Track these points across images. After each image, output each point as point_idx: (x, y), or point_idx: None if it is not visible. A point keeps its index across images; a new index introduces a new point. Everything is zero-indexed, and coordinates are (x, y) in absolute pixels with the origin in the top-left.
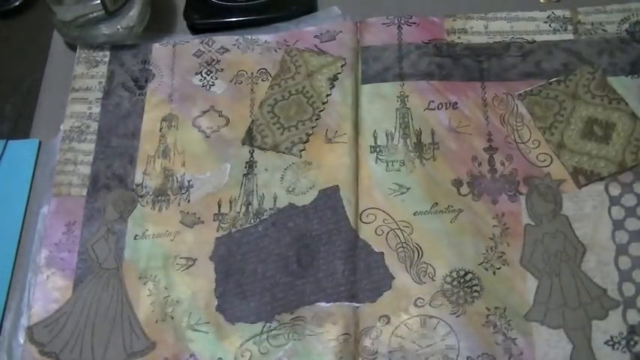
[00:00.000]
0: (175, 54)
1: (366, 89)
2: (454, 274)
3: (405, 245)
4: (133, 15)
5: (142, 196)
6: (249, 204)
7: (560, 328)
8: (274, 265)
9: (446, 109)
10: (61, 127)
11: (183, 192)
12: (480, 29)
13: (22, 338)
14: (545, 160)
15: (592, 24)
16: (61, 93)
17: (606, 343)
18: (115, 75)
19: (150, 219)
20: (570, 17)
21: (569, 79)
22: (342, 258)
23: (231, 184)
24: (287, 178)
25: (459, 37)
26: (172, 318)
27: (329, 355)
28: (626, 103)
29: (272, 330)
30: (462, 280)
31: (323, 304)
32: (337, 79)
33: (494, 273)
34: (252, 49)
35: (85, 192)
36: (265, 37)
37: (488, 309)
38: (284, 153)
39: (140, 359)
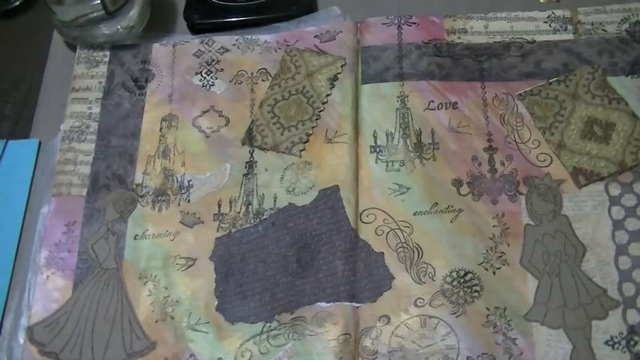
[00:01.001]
0: (175, 54)
1: (366, 89)
2: (454, 274)
3: (405, 245)
4: (133, 15)
5: (142, 196)
6: (249, 204)
7: (560, 328)
8: (274, 265)
9: (446, 109)
10: (61, 127)
11: (183, 192)
12: (480, 29)
13: (22, 338)
14: (545, 160)
15: (592, 24)
16: (61, 93)
17: (606, 343)
18: (115, 75)
19: (150, 219)
20: (570, 17)
21: (569, 79)
22: (342, 258)
23: (231, 184)
24: (287, 178)
25: (459, 37)
26: (172, 318)
27: (329, 355)
28: (626, 103)
29: (272, 330)
30: (462, 280)
31: (323, 304)
32: (337, 79)
33: (494, 273)
34: (252, 49)
35: (85, 192)
36: (265, 37)
37: (488, 309)
38: (284, 153)
39: (140, 359)
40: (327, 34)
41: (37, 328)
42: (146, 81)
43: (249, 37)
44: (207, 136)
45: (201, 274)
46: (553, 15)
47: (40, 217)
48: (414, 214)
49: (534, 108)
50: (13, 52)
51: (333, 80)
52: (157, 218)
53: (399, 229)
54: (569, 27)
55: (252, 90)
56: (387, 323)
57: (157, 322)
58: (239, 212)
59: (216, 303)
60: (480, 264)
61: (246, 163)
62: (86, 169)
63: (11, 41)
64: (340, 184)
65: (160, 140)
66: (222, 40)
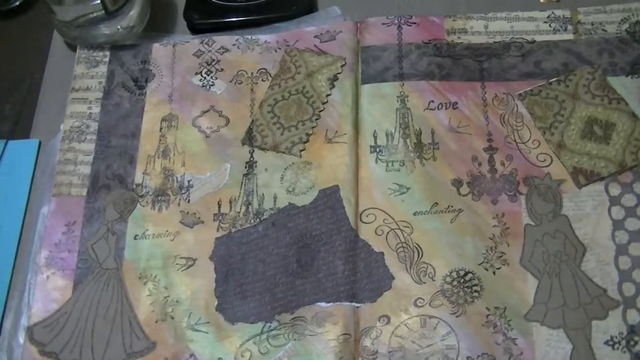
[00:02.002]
0: (175, 54)
1: (366, 89)
2: (454, 274)
3: (405, 245)
4: (133, 15)
5: (142, 196)
6: (249, 204)
7: (560, 328)
8: (274, 265)
9: (446, 109)
10: (61, 127)
11: (183, 192)
12: (480, 29)
13: (22, 338)
14: (545, 160)
15: (592, 24)
16: (61, 93)
17: (606, 343)
18: (115, 75)
19: (150, 219)
20: (570, 17)
21: (569, 79)
22: (342, 258)
23: (231, 184)
24: (287, 178)
25: (459, 37)
26: (172, 318)
27: (329, 355)
28: (626, 103)
29: (272, 330)
30: (462, 280)
31: (323, 304)
32: (337, 79)
33: (494, 273)
34: (252, 49)
35: (85, 192)
36: (265, 37)
37: (488, 309)
38: (284, 153)
39: (140, 359)
40: (327, 34)
41: (37, 328)
42: (146, 81)
43: (249, 37)
44: (207, 136)
45: (201, 274)
46: (553, 15)
47: (40, 217)
48: (414, 214)
49: (534, 108)
50: (13, 52)
51: (333, 80)
52: (157, 218)
53: (399, 229)
54: (569, 27)
55: (252, 90)
56: (387, 323)
57: (156, 322)
58: (239, 212)
59: (216, 303)
60: (479, 264)
61: (246, 163)
62: (86, 169)
63: (11, 41)
64: (340, 184)
65: (160, 140)
66: (222, 40)
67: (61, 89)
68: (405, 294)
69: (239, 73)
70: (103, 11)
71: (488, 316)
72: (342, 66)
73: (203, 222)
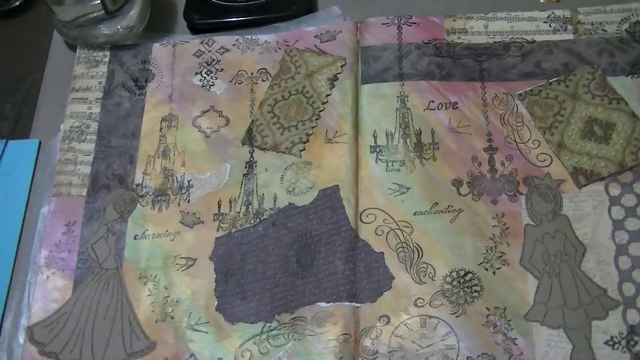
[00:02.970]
0: (175, 54)
1: (366, 89)
2: (454, 274)
3: (405, 245)
4: (133, 15)
5: (142, 196)
6: (249, 204)
7: (560, 328)
8: (274, 265)
9: (446, 109)
10: (61, 127)
11: (183, 192)
12: (479, 29)
13: (22, 338)
14: (545, 160)
15: (592, 24)
16: (61, 93)
17: (606, 343)
18: (115, 75)
19: (150, 219)
20: (570, 17)
21: (569, 79)
22: (342, 258)
23: (231, 184)
24: (287, 178)
25: (459, 37)
26: (172, 318)
27: (329, 355)
28: (626, 103)
29: (272, 330)
30: (462, 280)
31: (323, 304)
32: (337, 79)
33: (494, 273)
34: (252, 49)
35: (85, 192)
36: (265, 37)
37: (488, 309)
38: (284, 153)
39: (140, 359)
40: (327, 34)
41: (37, 328)
42: (146, 81)
43: (249, 37)
44: (207, 136)
45: (201, 274)
46: (553, 15)
47: (40, 217)
48: (414, 214)
49: (534, 108)
50: (13, 52)
51: (333, 80)
52: (157, 218)
53: (399, 229)
54: (569, 27)
55: (252, 90)
56: (387, 323)
57: (156, 322)
58: (239, 212)
59: (216, 303)
60: (479, 264)
61: (246, 163)
62: (86, 169)
63: (11, 41)
64: (340, 184)
65: (160, 140)
66: (222, 40)
67: (61, 89)
68: (405, 294)
69: (239, 73)
70: (103, 11)
71: (488, 316)
72: (342, 66)
73: (203, 222)
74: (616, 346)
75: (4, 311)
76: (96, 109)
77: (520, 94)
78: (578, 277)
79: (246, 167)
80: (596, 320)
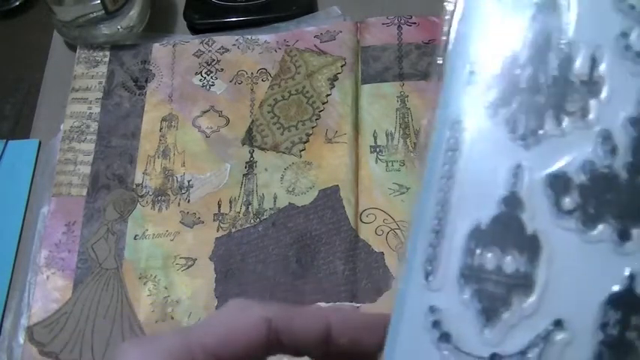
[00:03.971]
0: (175, 54)
1: (366, 89)
2: None
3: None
4: (133, 15)
5: (142, 196)
6: (249, 204)
7: None
8: (274, 265)
9: None
10: (61, 127)
11: (183, 192)
12: None
13: (22, 338)
14: None
15: None
16: (61, 93)
17: None
18: (115, 75)
19: (150, 219)
20: None
21: None
22: (342, 258)
23: (231, 184)
24: (287, 178)
25: None
26: (172, 318)
27: None
28: None
29: None
30: None
31: (323, 304)
32: (337, 79)
33: None
34: (252, 49)
35: (85, 192)
36: (265, 37)
37: None
38: (284, 153)
39: None
40: (327, 34)
41: (37, 328)
42: (146, 81)
43: (249, 37)
44: (207, 136)
45: (201, 274)
46: None
47: (40, 217)
48: None
49: None
50: (13, 52)
51: (333, 80)
52: (157, 218)
53: (399, 229)
54: None
55: (252, 90)
56: None
57: (156, 322)
58: (239, 212)
59: (216, 303)
60: None
61: (246, 163)
62: (86, 169)
63: (11, 41)
64: (340, 184)
65: (160, 140)
66: (222, 40)
67: (61, 89)
68: None
69: (239, 73)
70: (103, 11)
71: None
72: (342, 66)
73: (203, 222)
74: None
75: (4, 311)
76: (96, 109)
77: None
78: None
79: (246, 167)
80: None
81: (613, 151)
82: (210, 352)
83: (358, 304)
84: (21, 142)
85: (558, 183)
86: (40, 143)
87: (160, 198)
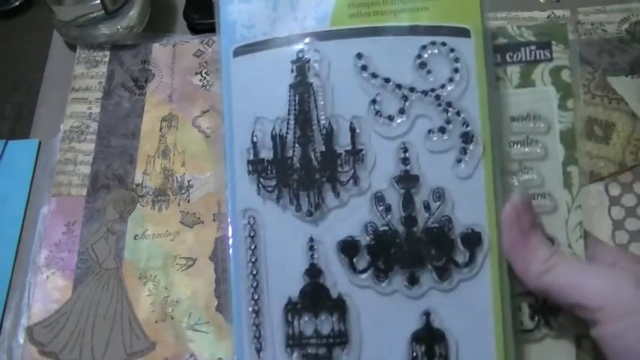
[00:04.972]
0: (175, 54)
1: None
2: None
3: None
4: (133, 15)
5: (142, 196)
6: None
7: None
8: None
9: None
10: (61, 127)
11: (183, 192)
12: None
13: (21, 338)
14: None
15: (592, 24)
16: (61, 93)
17: None
18: (115, 75)
19: (150, 219)
20: (570, 17)
21: None
22: None
23: None
24: None
25: None
26: (172, 318)
27: None
28: (626, 103)
29: None
30: None
31: None
32: None
33: None
34: None
35: (84, 192)
36: None
37: None
38: None
39: (140, 359)
40: None
41: (37, 328)
42: (146, 81)
43: None
44: (207, 136)
45: (201, 274)
46: (553, 15)
47: (40, 217)
48: None
49: None
50: (13, 52)
51: None
52: (157, 218)
53: None
54: (569, 27)
55: None
56: None
57: (156, 322)
58: None
59: (216, 303)
60: None
61: None
62: (86, 169)
63: (11, 41)
64: None
65: (160, 140)
66: None
67: (61, 89)
68: None
69: None
70: (103, 11)
71: None
72: None
73: (203, 222)
74: None
75: (3, 311)
76: (96, 109)
77: None
78: None
79: None
80: None
81: (388, 209)
82: None
83: None
84: (21, 142)
85: (348, 248)
86: (40, 143)
87: (159, 198)
